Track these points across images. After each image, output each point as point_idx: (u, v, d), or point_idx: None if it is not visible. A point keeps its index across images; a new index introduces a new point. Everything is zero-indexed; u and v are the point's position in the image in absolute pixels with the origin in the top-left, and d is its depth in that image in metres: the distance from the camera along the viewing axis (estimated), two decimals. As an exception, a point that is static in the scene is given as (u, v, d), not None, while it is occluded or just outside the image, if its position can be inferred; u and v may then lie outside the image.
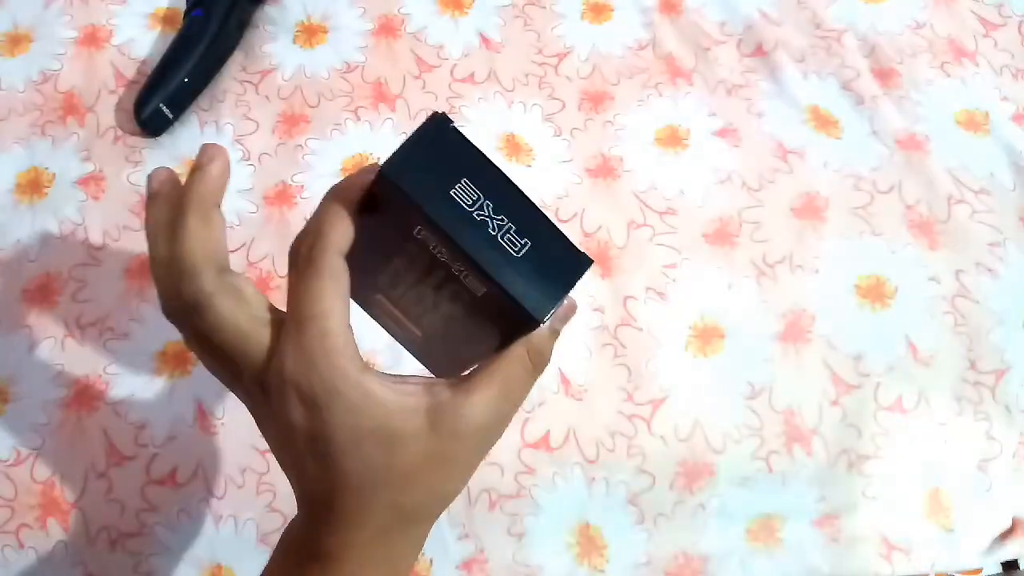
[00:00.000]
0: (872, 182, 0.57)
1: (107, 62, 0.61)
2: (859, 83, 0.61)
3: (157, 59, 0.59)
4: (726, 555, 0.49)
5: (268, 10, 0.64)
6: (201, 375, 0.50)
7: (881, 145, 0.58)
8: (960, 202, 0.56)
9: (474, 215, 0.27)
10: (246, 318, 0.28)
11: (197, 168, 0.29)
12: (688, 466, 0.49)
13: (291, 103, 0.60)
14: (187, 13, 0.61)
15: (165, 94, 0.57)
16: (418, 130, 0.27)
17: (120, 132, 0.58)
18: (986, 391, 0.51)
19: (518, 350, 0.29)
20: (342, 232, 0.28)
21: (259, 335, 0.28)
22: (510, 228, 0.27)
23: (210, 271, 0.28)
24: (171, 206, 0.30)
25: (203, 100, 0.60)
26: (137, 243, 0.54)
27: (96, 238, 0.54)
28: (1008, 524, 0.50)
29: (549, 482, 0.48)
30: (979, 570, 0.52)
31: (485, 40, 0.63)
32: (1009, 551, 0.50)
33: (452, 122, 0.27)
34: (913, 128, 0.59)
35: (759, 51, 0.63)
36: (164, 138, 0.58)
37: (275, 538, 0.32)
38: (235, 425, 0.49)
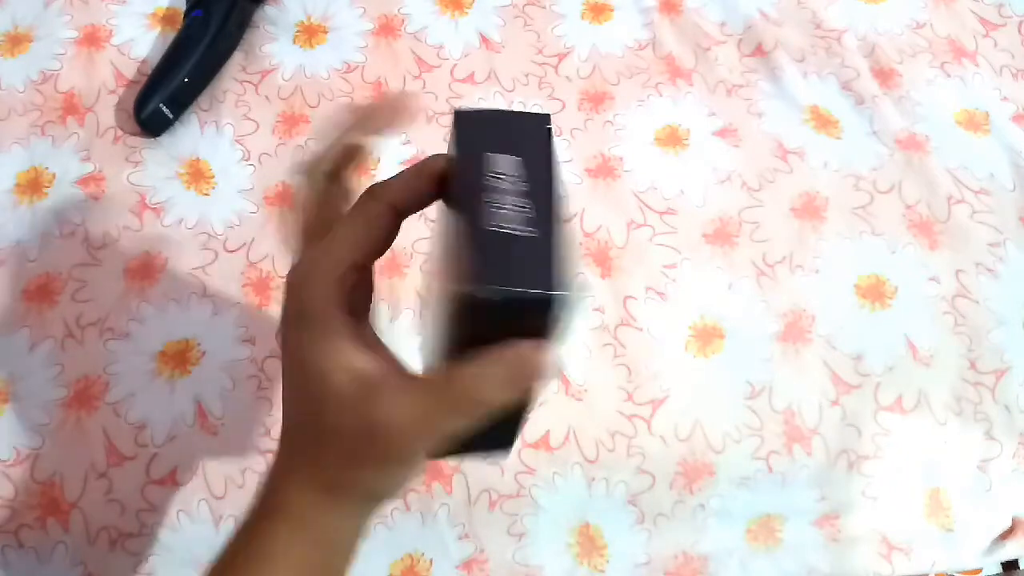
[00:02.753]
0: (872, 182, 0.57)
1: (107, 62, 0.61)
2: (859, 83, 0.61)
3: (157, 59, 0.59)
4: (726, 555, 0.49)
5: (268, 10, 0.64)
6: (201, 375, 0.50)
7: (881, 145, 0.59)
8: (960, 202, 0.56)
9: (500, 182, 0.26)
10: (316, 216, 0.30)
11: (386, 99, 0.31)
12: (688, 466, 0.49)
13: (291, 103, 0.60)
14: (187, 13, 0.61)
15: (165, 94, 0.57)
16: (519, 111, 0.27)
17: (120, 132, 0.58)
18: (986, 391, 0.51)
19: (468, 371, 0.27)
20: (401, 185, 0.29)
21: (310, 236, 0.30)
22: (526, 216, 0.25)
23: (321, 172, 0.30)
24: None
25: (203, 100, 0.60)
26: (137, 243, 0.54)
27: (96, 238, 0.54)
28: (1008, 524, 0.50)
29: (549, 482, 0.48)
30: (979, 570, 0.52)
31: (485, 40, 0.63)
32: (1009, 551, 0.50)
33: (550, 125, 0.27)
34: (913, 128, 0.59)
35: (759, 51, 0.63)
36: (164, 138, 0.58)
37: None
38: (235, 425, 0.49)
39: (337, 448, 0.28)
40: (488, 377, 0.27)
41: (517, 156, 0.26)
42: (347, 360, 0.27)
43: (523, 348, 0.26)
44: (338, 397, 0.27)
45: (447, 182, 0.28)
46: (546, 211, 0.26)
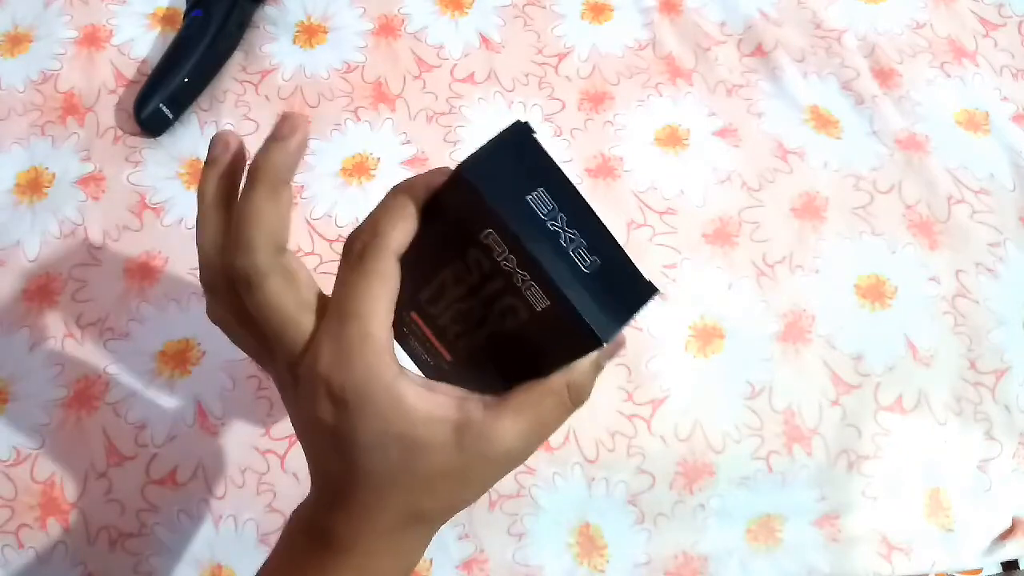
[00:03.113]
0: (872, 182, 0.57)
1: (107, 62, 0.61)
2: (859, 83, 0.61)
3: (157, 59, 0.59)
4: (726, 555, 0.49)
5: (268, 10, 0.64)
6: (201, 375, 0.50)
7: (881, 145, 0.59)
8: (960, 202, 0.56)
9: (547, 224, 0.26)
10: (293, 303, 0.28)
11: (276, 139, 0.27)
12: (688, 466, 0.49)
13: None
14: (187, 13, 0.61)
15: (165, 94, 0.57)
16: (499, 135, 0.26)
17: (120, 132, 0.58)
18: (986, 391, 0.51)
19: (557, 382, 0.28)
20: (400, 232, 0.27)
21: (302, 322, 0.28)
22: (581, 244, 0.26)
23: (269, 249, 0.27)
24: (230, 174, 0.29)
25: (203, 100, 0.60)
26: (137, 243, 0.54)
27: (96, 238, 0.54)
28: (1008, 524, 0.50)
29: (549, 482, 0.48)
30: (979, 570, 0.52)
31: (485, 40, 0.63)
32: (1009, 551, 0.50)
33: (534, 132, 0.27)
34: (913, 128, 0.59)
35: (759, 51, 0.63)
36: (164, 138, 0.58)
37: (275, 538, 0.32)
38: (235, 425, 0.49)
39: (442, 487, 0.29)
40: (580, 370, 0.28)
41: (541, 186, 0.26)
42: (427, 413, 0.27)
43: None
44: (434, 446, 0.27)
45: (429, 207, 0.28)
46: (591, 228, 0.27)
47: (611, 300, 0.26)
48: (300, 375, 0.28)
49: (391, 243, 0.27)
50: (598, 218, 0.27)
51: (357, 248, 0.27)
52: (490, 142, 0.26)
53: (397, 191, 0.28)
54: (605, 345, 0.26)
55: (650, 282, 0.27)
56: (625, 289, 0.27)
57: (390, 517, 0.29)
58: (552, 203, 0.26)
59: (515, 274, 0.26)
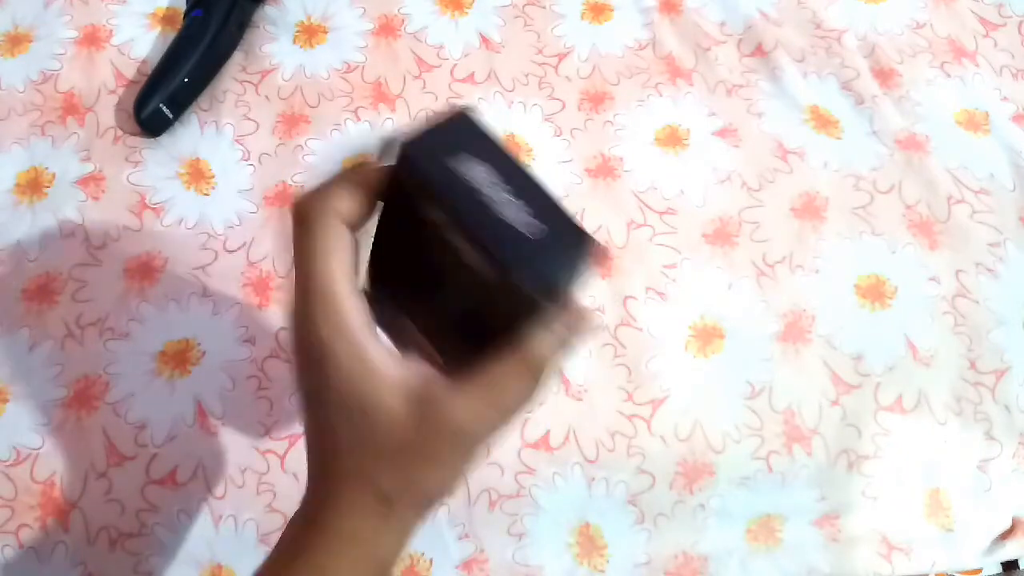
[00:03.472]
0: (872, 182, 0.57)
1: (107, 62, 0.61)
2: (859, 83, 0.61)
3: (157, 59, 0.59)
4: (726, 555, 0.49)
5: (268, 10, 0.64)
6: (201, 375, 0.50)
7: (881, 145, 0.59)
8: (960, 202, 0.56)
9: (490, 195, 0.26)
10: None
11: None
12: (688, 466, 0.49)
13: (291, 103, 0.60)
14: (187, 13, 0.61)
15: (165, 94, 0.57)
16: (439, 115, 0.27)
17: (120, 132, 0.58)
18: (986, 391, 0.51)
19: (514, 357, 0.28)
20: (341, 191, 0.28)
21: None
22: (527, 211, 0.27)
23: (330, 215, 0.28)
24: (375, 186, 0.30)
25: (203, 100, 0.60)
26: (137, 243, 0.54)
27: (96, 238, 0.54)
28: (1008, 524, 0.50)
29: (549, 482, 0.48)
30: (979, 570, 0.52)
31: (485, 40, 0.63)
32: (1009, 551, 0.50)
33: (474, 110, 0.28)
34: (913, 128, 0.59)
35: (759, 51, 0.63)
36: (164, 138, 0.58)
37: (275, 538, 0.32)
38: (235, 425, 0.49)
39: (400, 462, 0.28)
40: (537, 342, 0.28)
41: (482, 160, 0.27)
42: (389, 379, 0.27)
43: (570, 310, 0.28)
44: (393, 416, 0.27)
45: (387, 189, 0.28)
46: (534, 196, 0.27)
47: (557, 263, 0.27)
48: (289, 338, 0.29)
49: (331, 201, 0.28)
50: (542, 187, 0.28)
51: (301, 211, 0.28)
52: (430, 122, 0.27)
53: (344, 168, 0.29)
54: (552, 306, 0.27)
55: (594, 239, 0.28)
56: (571, 253, 0.27)
57: (351, 492, 0.29)
58: (495, 175, 0.27)
59: (462, 248, 0.27)
